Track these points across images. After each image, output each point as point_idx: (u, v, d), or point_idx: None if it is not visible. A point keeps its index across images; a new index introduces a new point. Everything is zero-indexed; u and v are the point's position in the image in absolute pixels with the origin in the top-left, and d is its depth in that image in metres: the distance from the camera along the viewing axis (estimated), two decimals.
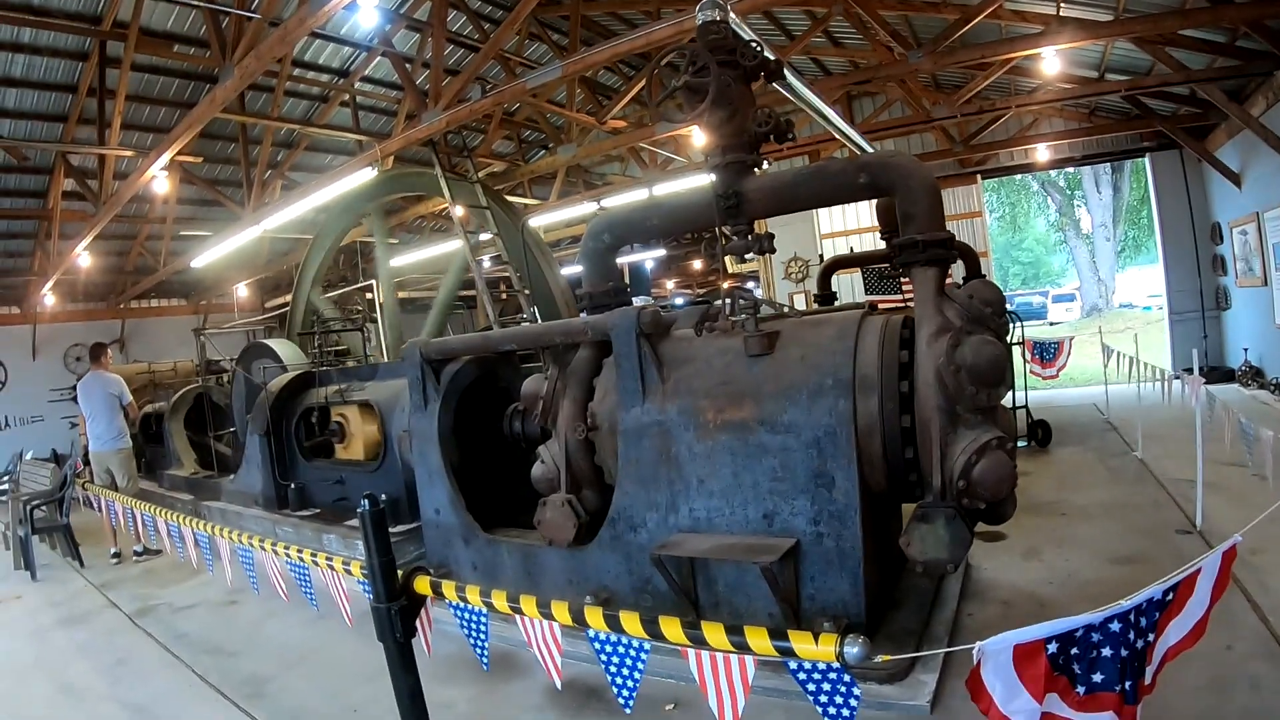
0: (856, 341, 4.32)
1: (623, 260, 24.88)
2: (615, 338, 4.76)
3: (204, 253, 17.15)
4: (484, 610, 3.74)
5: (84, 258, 16.65)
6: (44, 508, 10.68)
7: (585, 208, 16.92)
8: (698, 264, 30.79)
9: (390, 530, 6.44)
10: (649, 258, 26.58)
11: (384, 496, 6.55)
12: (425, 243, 21.18)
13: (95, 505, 10.83)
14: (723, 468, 4.43)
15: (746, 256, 5.32)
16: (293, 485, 8.01)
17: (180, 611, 7.84)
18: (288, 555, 5.19)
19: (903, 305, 4.81)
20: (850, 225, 18.90)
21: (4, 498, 12.97)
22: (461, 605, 3.87)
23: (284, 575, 5.71)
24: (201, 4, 8.82)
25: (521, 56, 15.11)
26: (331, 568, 4.80)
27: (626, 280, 21.40)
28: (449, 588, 3.85)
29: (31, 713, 6.08)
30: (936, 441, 4.02)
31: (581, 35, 12.98)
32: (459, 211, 10.06)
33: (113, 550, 10.29)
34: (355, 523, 6.92)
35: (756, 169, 5.12)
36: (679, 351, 4.80)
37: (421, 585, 3.96)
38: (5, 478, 15.29)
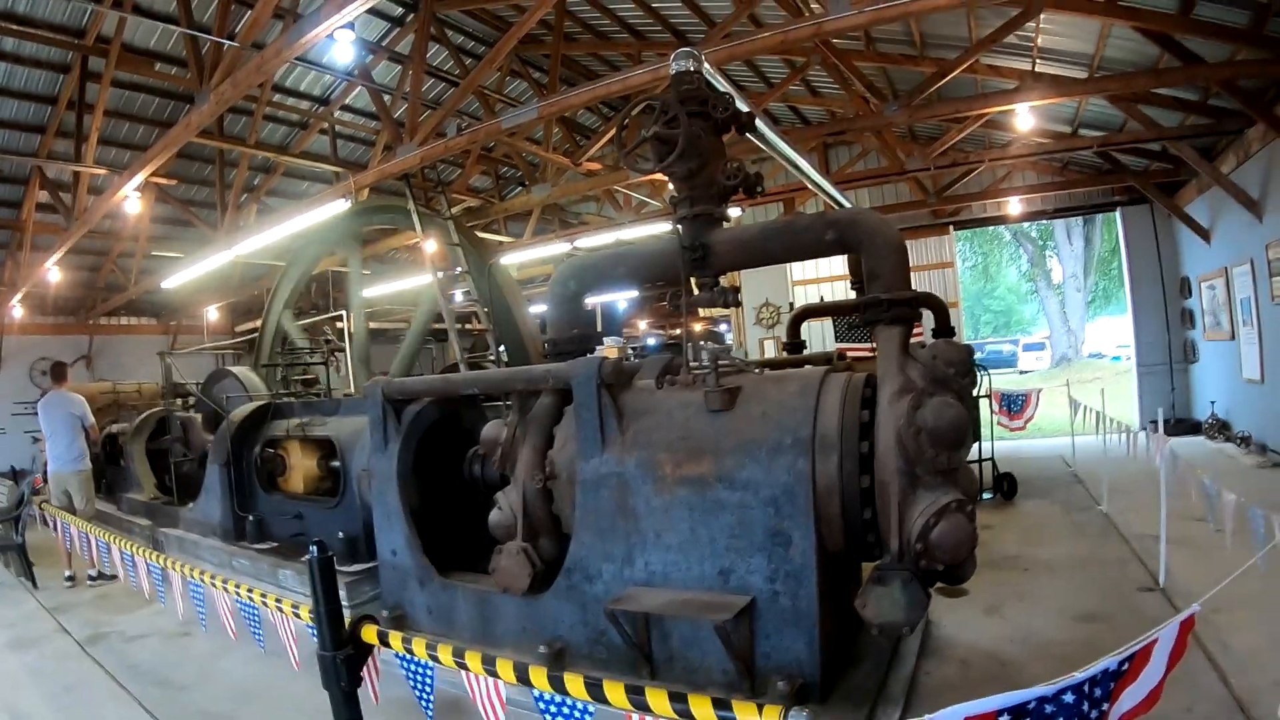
0: (818, 400, 4.30)
1: (594, 300, 24.78)
2: (576, 386, 4.73)
3: (175, 274, 16.99)
4: (430, 663, 3.67)
5: (54, 272, 16.55)
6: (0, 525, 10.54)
7: (559, 247, 16.96)
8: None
9: (347, 569, 6.40)
10: (622, 298, 26.59)
11: (341, 534, 6.54)
12: (398, 274, 21.13)
13: (51, 525, 10.68)
14: (680, 522, 4.39)
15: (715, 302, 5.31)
16: (251, 517, 7.87)
17: (132, 641, 7.70)
18: (237, 594, 5.10)
19: (872, 354, 4.81)
20: (823, 273, 19.15)
21: None
22: (407, 656, 3.81)
23: (233, 612, 5.62)
24: (181, 28, 8.80)
25: (501, 94, 15.21)
26: (281, 610, 4.72)
27: (598, 320, 21.50)
28: (395, 638, 3.79)
29: None
30: (895, 503, 3.99)
31: (561, 74, 13.09)
32: (431, 247, 10.04)
33: (67, 573, 10.12)
34: None
35: (724, 222, 5.11)
36: (640, 403, 4.77)
37: (369, 634, 3.89)
38: None
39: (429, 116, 10.33)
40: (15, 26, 11.38)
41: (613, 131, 13.36)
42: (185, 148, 15.98)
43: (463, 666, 3.52)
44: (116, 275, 21.45)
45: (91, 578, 9.94)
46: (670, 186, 5.16)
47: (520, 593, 4.82)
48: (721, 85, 5.74)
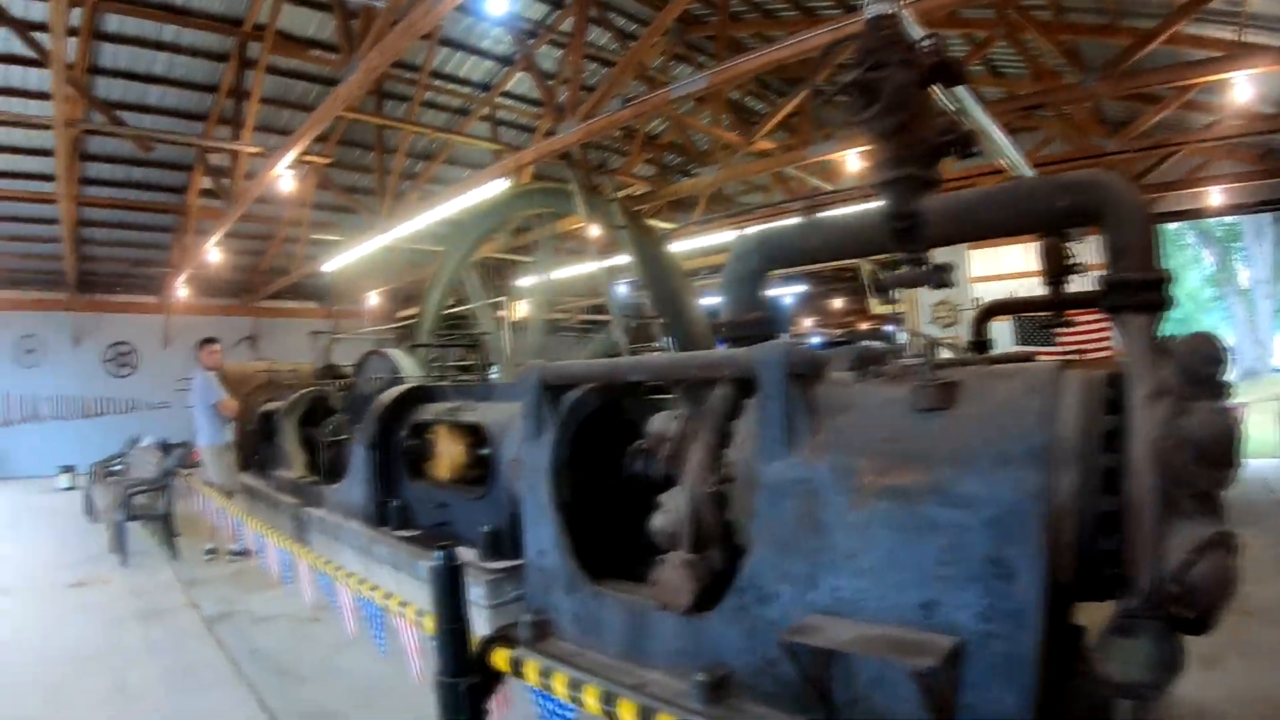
0: (1053, 401, 3.59)
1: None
2: (761, 375, 4.13)
3: (336, 257, 17.26)
4: (572, 706, 3.12)
5: (215, 253, 17.07)
6: (145, 495, 10.69)
7: (726, 235, 16.41)
8: (838, 302, 29.91)
9: (490, 566, 5.98)
10: (788, 294, 25.77)
11: (486, 528, 6.11)
12: (555, 265, 21.01)
13: (196, 497, 10.84)
14: (878, 542, 3.74)
15: (893, 295, 4.66)
16: (394, 503, 7.60)
17: (260, 623, 7.60)
18: (360, 592, 4.71)
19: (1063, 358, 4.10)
20: (1005, 269, 18.03)
21: (117, 477, 13.15)
22: (544, 692, 3.26)
23: (355, 610, 5.28)
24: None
25: (667, 76, 14.74)
26: (403, 616, 4.30)
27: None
28: (532, 669, 3.27)
29: (76, 708, 5.82)
30: (1149, 532, 3.27)
31: (726, 58, 12.54)
32: (593, 233, 9.67)
33: (208, 546, 10.25)
34: (457, 551, 6.50)
35: (934, 187, 4.43)
36: (835, 398, 4.14)
37: (499, 659, 3.39)
38: (118, 460, 15.61)
39: (591, 96, 9.93)
40: (176, 15, 11.69)
41: (786, 109, 12.82)
42: (347, 132, 16.30)
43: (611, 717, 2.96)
44: (280, 259, 22.12)
45: (234, 552, 9.98)
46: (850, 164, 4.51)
47: (681, 611, 4.27)
48: (919, 32, 5.04)
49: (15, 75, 13.31)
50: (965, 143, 4.44)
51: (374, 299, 24.74)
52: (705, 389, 4.70)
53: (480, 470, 7.28)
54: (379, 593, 4.62)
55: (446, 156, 18.15)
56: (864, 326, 28.33)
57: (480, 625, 5.57)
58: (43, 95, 12.60)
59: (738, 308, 4.90)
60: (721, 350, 4.56)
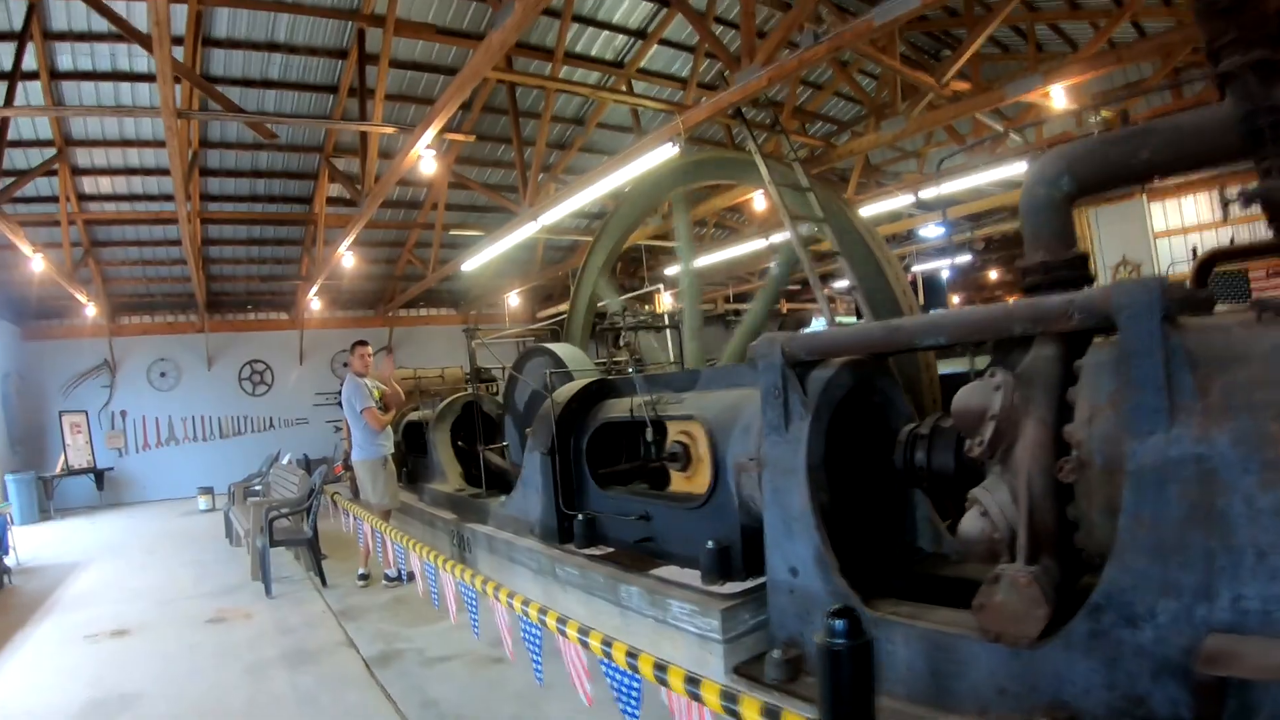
0: None
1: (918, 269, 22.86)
2: (1124, 323, 3.17)
3: (476, 255, 16.86)
4: None
5: (347, 259, 16.80)
6: (288, 518, 10.16)
7: (898, 201, 15.31)
8: (994, 274, 28.40)
9: (717, 590, 5.10)
10: (944, 266, 24.33)
11: (711, 543, 5.23)
12: (707, 248, 20.19)
13: (344, 517, 10.26)
14: None
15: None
16: (580, 516, 6.77)
17: (432, 664, 6.70)
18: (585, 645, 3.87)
19: None
20: (1189, 221, 16.74)
21: (257, 498, 12.79)
22: None
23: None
24: None
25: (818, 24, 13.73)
26: (633, 668, 3.46)
27: (919, 292, 19.44)
28: None
29: None
30: None
31: None
32: (762, 204, 8.72)
33: (361, 571, 9.62)
34: (666, 573, 5.58)
35: None
36: (1219, 347, 3.14)
37: (749, 710, 2.57)
38: (258, 479, 15.38)
39: (771, 36, 8.92)
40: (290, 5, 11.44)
41: (983, 36, 11.56)
42: (480, 125, 15.82)
43: None
44: (414, 265, 21.96)
45: (389, 578, 9.31)
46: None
47: (1027, 641, 3.32)
48: None
49: (125, 91, 13.22)
50: None
51: (512, 299, 24.46)
52: (1016, 351, 3.75)
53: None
54: (621, 650, 3.74)
55: (584, 144, 17.55)
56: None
57: (710, 665, 4.71)
58: (149, 78, 12.47)
59: (1047, 243, 3.93)
60: (1055, 296, 3.57)
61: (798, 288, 28.30)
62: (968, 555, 3.57)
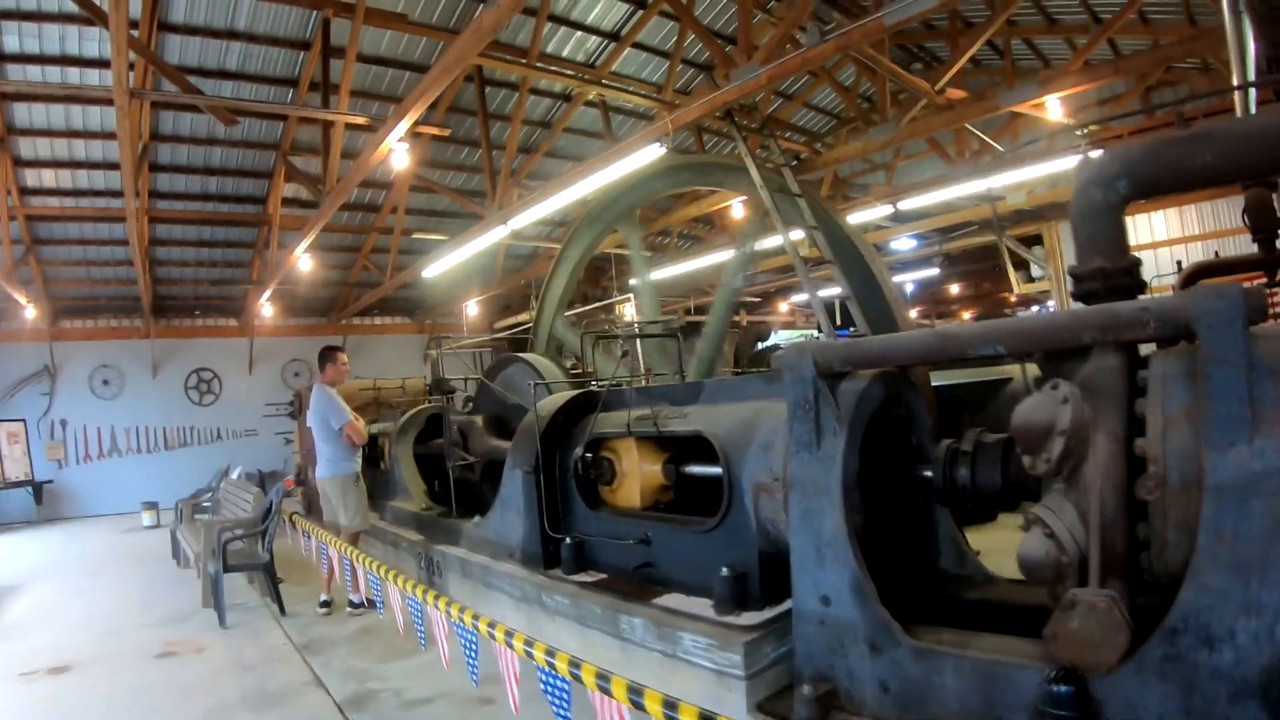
0: None
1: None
2: (1204, 332, 3.00)
3: (438, 261, 16.54)
4: None
5: (302, 263, 16.42)
6: (243, 540, 9.62)
7: (877, 211, 15.23)
8: (955, 289, 28.48)
9: (735, 621, 4.81)
10: (911, 280, 24.36)
11: (726, 570, 4.95)
12: (669, 260, 19.97)
13: (303, 538, 9.80)
14: None
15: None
16: (568, 539, 6.43)
17: (412, 708, 6.07)
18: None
19: None
20: (1174, 233, 16.78)
21: (207, 516, 12.33)
22: None
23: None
24: None
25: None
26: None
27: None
28: None
29: None
30: None
31: None
32: (765, 201, 8.52)
33: (323, 597, 9.08)
34: (671, 601, 5.29)
35: None
36: None
37: None
38: (207, 495, 14.86)
39: (774, 33, 8.72)
40: None
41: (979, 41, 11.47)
42: (448, 121, 15.48)
43: None
44: (370, 271, 21.53)
45: (354, 604, 8.82)
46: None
47: (1106, 670, 3.08)
48: None
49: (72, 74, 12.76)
50: None
51: (471, 309, 24.10)
52: (1074, 361, 3.53)
53: (676, 491, 6.19)
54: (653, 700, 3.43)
55: (550, 149, 17.34)
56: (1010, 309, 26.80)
57: (729, 703, 4.42)
58: (102, 63, 12.13)
59: (1103, 249, 3.73)
60: (1127, 303, 3.35)
61: (758, 300, 28.27)
62: (1030, 579, 3.33)
